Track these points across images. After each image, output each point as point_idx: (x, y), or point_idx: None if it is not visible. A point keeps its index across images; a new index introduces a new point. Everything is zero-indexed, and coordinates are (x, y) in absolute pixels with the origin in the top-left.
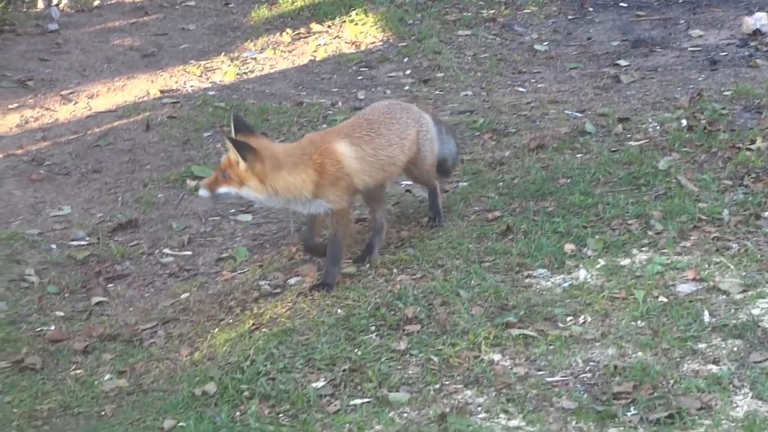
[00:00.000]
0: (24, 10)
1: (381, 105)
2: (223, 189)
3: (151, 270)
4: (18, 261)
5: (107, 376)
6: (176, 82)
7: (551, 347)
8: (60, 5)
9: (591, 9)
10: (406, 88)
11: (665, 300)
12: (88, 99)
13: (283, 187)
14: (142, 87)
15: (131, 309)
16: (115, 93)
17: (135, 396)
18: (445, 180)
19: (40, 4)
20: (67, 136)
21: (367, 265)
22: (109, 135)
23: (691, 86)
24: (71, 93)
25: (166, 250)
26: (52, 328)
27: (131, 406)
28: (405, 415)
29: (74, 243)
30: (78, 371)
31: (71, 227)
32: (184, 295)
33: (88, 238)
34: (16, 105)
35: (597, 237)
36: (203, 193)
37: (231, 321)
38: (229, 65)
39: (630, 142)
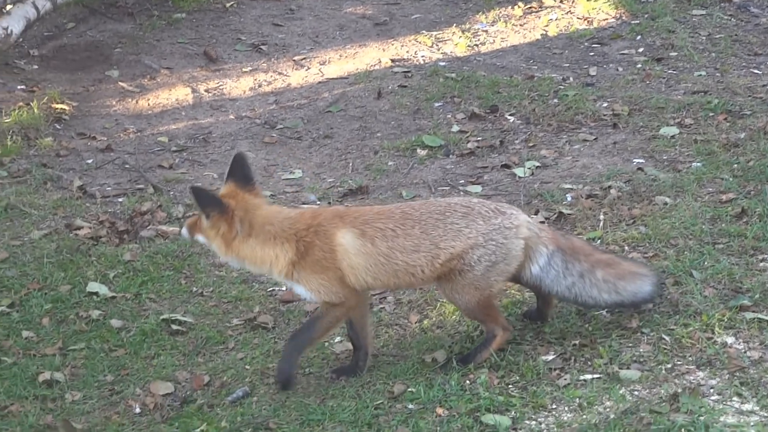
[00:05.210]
0: None
1: (441, 201)
2: (199, 237)
3: None
4: None
5: (338, 339)
6: (407, 52)
7: None
8: None
9: None
10: (639, 66)
11: None
12: (320, 65)
13: (249, 257)
14: (373, 55)
15: None
16: (347, 60)
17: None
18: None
19: None
20: (298, 101)
21: (456, 371)
22: (341, 101)
23: None
24: (303, 59)
25: None
26: (284, 288)
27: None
28: (636, 392)
29: (305, 206)
30: None
31: (302, 191)
32: None
33: (319, 202)
34: (249, 69)
35: None
36: (184, 232)
37: None
38: (461, 37)
39: None
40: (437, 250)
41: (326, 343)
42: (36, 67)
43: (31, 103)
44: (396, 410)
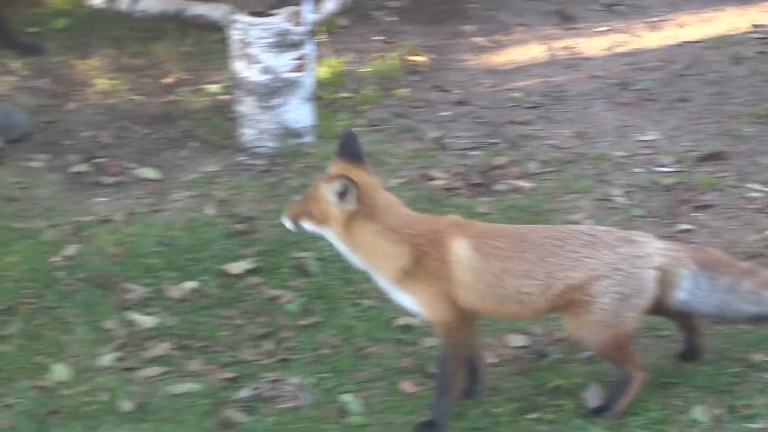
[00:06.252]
0: None
1: (563, 227)
2: (305, 224)
3: (737, 203)
4: (605, 181)
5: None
6: (767, 18)
7: None
8: None
9: None
10: None
11: None
12: (676, 28)
13: (364, 245)
14: (730, 20)
15: (716, 239)
16: (703, 24)
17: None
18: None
19: None
20: (653, 63)
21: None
22: (696, 65)
23: None
24: (659, 21)
25: (754, 185)
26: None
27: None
28: None
29: (660, 169)
30: None
31: (657, 153)
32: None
33: (674, 166)
34: (604, 29)
35: None
36: (286, 223)
37: None
38: None
39: None
40: (551, 279)
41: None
42: (393, 19)
43: (389, 54)
44: (753, 379)
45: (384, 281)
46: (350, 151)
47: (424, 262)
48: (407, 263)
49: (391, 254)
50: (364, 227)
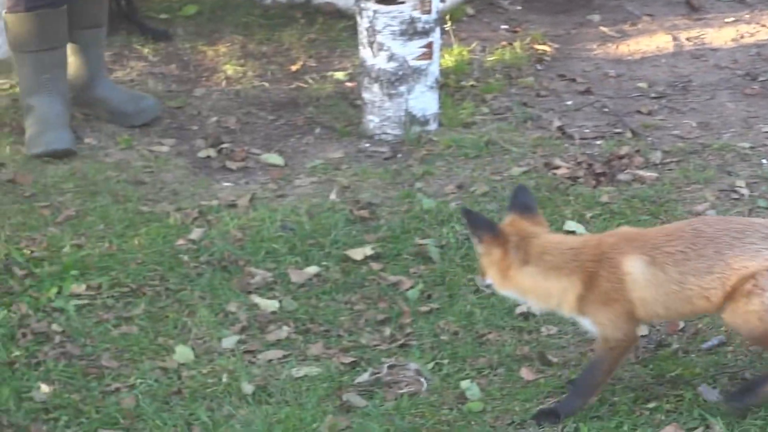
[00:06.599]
0: None
1: (740, 219)
2: (485, 279)
3: None
4: (729, 172)
5: None
6: None
7: None
8: None
9: None
10: None
11: None
12: None
13: (530, 289)
14: None
15: None
16: None
17: None
18: None
19: None
20: None
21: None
22: None
23: None
24: None
25: None
26: None
27: None
28: None
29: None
30: None
31: None
32: None
33: None
34: (731, 19)
35: None
36: (478, 279)
37: None
38: None
39: None
40: (730, 270)
41: None
42: (519, 8)
43: (514, 43)
44: None
45: (565, 314)
46: (520, 202)
47: (596, 284)
48: (580, 290)
49: (563, 289)
50: (522, 274)
